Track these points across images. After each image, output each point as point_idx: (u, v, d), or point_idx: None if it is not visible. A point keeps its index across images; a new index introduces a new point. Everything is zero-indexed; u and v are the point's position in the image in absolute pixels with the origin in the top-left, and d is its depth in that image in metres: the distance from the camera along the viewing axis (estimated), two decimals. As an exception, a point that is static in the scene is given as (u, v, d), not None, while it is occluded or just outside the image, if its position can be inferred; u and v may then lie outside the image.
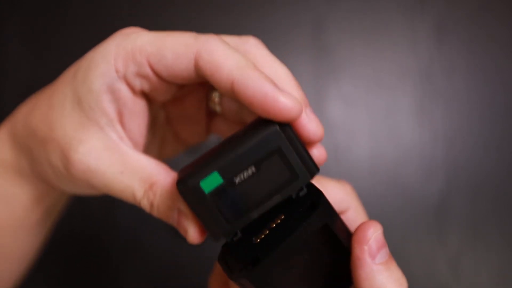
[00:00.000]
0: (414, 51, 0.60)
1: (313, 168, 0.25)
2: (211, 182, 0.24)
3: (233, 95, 0.25)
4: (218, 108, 0.32)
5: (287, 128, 0.24)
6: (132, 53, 0.26)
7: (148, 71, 0.26)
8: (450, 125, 0.59)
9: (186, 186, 0.24)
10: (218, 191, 0.24)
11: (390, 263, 0.26)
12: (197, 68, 0.25)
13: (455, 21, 0.60)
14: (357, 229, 0.26)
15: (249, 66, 0.24)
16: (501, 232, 0.58)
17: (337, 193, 0.31)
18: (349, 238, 0.27)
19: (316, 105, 0.59)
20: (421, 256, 0.58)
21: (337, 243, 0.26)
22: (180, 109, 0.33)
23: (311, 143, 0.27)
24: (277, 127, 0.24)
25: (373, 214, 0.37)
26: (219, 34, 0.28)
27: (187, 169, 0.25)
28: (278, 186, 0.24)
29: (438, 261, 0.58)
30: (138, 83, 0.27)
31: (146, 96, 0.29)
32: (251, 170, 0.24)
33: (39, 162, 0.30)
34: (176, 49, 0.26)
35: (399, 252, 0.58)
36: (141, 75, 0.27)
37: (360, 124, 0.60)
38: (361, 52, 0.60)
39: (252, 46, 0.29)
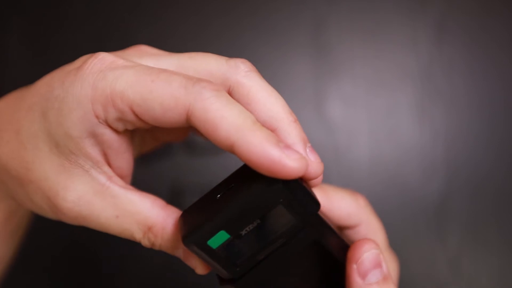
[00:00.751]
0: (414, 51, 0.60)
1: (315, 206, 0.25)
2: (218, 239, 0.24)
3: (233, 153, 0.23)
4: None
5: (292, 185, 0.24)
6: (111, 98, 0.23)
7: (132, 117, 0.24)
8: (450, 125, 0.59)
9: (192, 244, 0.24)
10: (226, 245, 0.24)
11: (384, 285, 0.25)
12: (190, 122, 0.23)
13: (455, 21, 0.60)
14: (351, 246, 0.26)
15: (248, 126, 0.22)
16: (501, 232, 0.58)
17: (346, 206, 0.30)
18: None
19: (316, 105, 0.59)
20: (421, 256, 0.58)
21: (332, 259, 0.26)
22: (160, 128, 0.31)
23: (312, 179, 0.26)
24: (281, 185, 0.23)
25: (373, 214, 0.37)
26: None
27: (191, 219, 0.25)
28: (283, 231, 0.25)
29: (438, 261, 0.58)
30: (121, 126, 0.25)
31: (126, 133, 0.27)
32: (256, 222, 0.24)
33: (16, 194, 0.28)
34: (164, 102, 0.23)
35: (399, 252, 0.59)
36: (124, 120, 0.24)
37: (360, 124, 0.60)
38: (361, 52, 0.60)
39: (244, 77, 0.25)
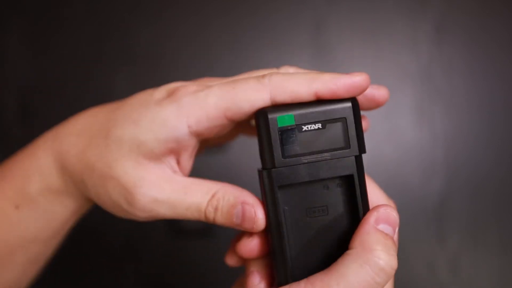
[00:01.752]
0: (414, 51, 0.60)
1: (362, 147, 0.30)
2: (285, 120, 0.29)
3: (316, 98, 0.29)
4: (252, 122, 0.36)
5: (356, 108, 0.30)
6: (207, 112, 0.29)
7: (224, 122, 0.30)
8: (450, 125, 0.59)
9: (265, 116, 0.29)
10: (287, 130, 0.29)
11: (390, 239, 0.28)
12: (274, 102, 0.29)
13: (455, 21, 0.60)
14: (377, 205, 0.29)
15: (314, 75, 0.29)
16: (501, 232, 0.58)
17: (380, 195, 0.34)
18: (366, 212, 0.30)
19: (316, 105, 0.59)
20: (421, 256, 0.58)
21: (354, 204, 0.29)
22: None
23: (380, 103, 0.33)
24: (350, 103, 0.29)
25: (373, 214, 0.37)
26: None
27: (267, 108, 0.30)
28: (331, 147, 0.29)
29: (438, 261, 0.58)
30: (207, 133, 0.31)
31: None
32: (318, 126, 0.29)
33: (96, 194, 0.33)
34: (250, 98, 0.29)
35: (399, 252, 0.59)
36: (215, 126, 0.30)
37: (360, 124, 0.60)
38: (361, 52, 0.60)
39: (289, 69, 0.34)
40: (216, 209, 0.31)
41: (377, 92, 0.34)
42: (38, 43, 0.61)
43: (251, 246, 0.31)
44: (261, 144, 0.30)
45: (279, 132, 0.29)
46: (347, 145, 0.29)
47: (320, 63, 0.60)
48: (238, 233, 0.33)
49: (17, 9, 0.61)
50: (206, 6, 0.60)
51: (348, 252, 0.28)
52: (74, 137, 0.34)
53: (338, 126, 0.29)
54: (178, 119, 0.30)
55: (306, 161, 0.29)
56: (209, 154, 0.58)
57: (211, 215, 0.31)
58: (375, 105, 0.34)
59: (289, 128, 0.29)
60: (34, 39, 0.61)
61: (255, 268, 0.32)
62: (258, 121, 0.29)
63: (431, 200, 0.59)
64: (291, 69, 0.34)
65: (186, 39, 0.60)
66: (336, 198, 0.30)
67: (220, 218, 0.31)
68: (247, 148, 0.58)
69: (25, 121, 0.60)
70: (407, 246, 0.58)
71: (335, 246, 0.30)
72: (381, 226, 0.28)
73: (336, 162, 0.29)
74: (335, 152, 0.29)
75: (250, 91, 0.29)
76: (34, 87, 0.60)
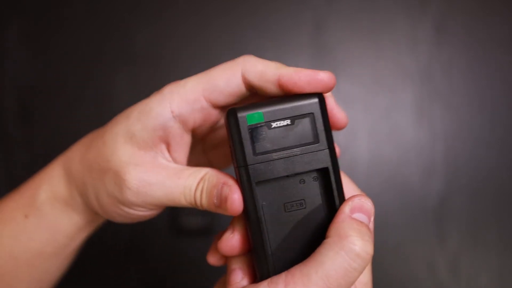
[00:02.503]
0: (414, 51, 0.60)
1: (331, 142, 0.31)
2: (254, 118, 0.30)
3: (279, 88, 0.31)
4: None
5: (322, 104, 0.30)
6: (186, 95, 0.32)
7: (203, 103, 0.32)
8: (450, 125, 0.59)
9: (234, 114, 0.30)
10: (257, 127, 0.30)
11: (365, 227, 0.29)
12: (246, 81, 0.32)
13: (455, 21, 0.60)
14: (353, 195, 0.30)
15: (283, 65, 0.32)
16: (500, 232, 0.58)
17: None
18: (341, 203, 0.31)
19: (316, 105, 0.59)
20: (420, 256, 0.58)
21: (330, 196, 0.30)
22: (214, 139, 0.39)
23: (338, 127, 0.34)
24: (317, 99, 0.30)
25: (373, 214, 0.37)
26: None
27: (237, 107, 0.31)
28: (301, 143, 0.30)
29: (438, 261, 0.58)
30: (191, 119, 0.32)
31: (191, 131, 0.34)
32: (287, 122, 0.30)
33: (95, 195, 0.34)
34: (224, 76, 0.32)
35: (399, 252, 0.59)
36: (197, 110, 0.32)
37: (360, 124, 0.60)
38: (361, 52, 0.60)
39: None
40: (201, 191, 0.32)
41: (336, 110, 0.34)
42: (38, 43, 0.61)
43: (232, 243, 0.31)
44: (233, 142, 0.30)
45: (249, 130, 0.30)
46: (316, 140, 0.30)
47: (320, 63, 0.60)
48: (219, 233, 0.34)
49: (17, 9, 0.61)
50: (206, 6, 0.60)
51: (325, 241, 0.29)
52: (79, 145, 0.37)
53: (306, 121, 0.30)
54: (161, 106, 0.32)
55: (276, 157, 0.30)
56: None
57: (198, 199, 0.32)
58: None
59: (258, 125, 0.30)
60: (34, 39, 0.61)
61: (237, 266, 0.32)
62: (228, 119, 0.30)
63: (431, 200, 0.59)
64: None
65: (186, 39, 0.60)
66: (312, 192, 0.31)
67: (204, 200, 0.32)
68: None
69: (25, 121, 0.60)
70: (407, 246, 0.58)
71: (313, 238, 0.31)
72: (356, 215, 0.29)
73: (311, 156, 0.30)
74: (305, 147, 0.30)
75: (224, 70, 0.32)
76: (34, 87, 0.60)
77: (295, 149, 0.30)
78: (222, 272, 0.35)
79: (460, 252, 0.58)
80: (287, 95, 0.31)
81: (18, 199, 0.38)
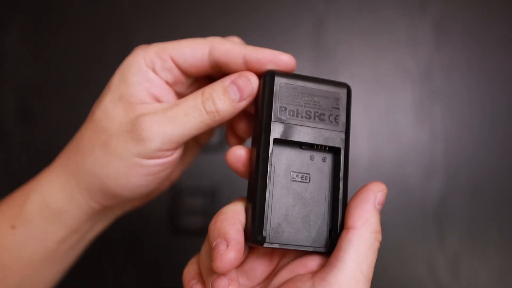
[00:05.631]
0: (414, 51, 0.60)
1: (348, 129, 0.33)
2: (290, 83, 0.32)
3: (244, 65, 0.34)
4: None
5: (350, 94, 0.34)
6: (156, 53, 0.34)
7: (171, 64, 0.34)
8: (450, 125, 0.59)
9: (272, 76, 0.32)
10: (288, 90, 0.32)
11: (376, 213, 0.31)
12: (211, 57, 0.34)
13: (455, 21, 0.60)
14: (371, 183, 0.32)
15: (248, 47, 0.34)
16: (500, 232, 0.58)
17: None
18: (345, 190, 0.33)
19: (316, 105, 0.59)
20: (420, 256, 0.58)
21: (338, 177, 0.32)
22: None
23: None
24: (346, 89, 0.34)
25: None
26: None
27: (276, 71, 0.33)
28: (323, 119, 0.32)
29: (437, 261, 0.58)
30: (164, 75, 0.35)
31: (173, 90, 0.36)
32: (316, 98, 0.33)
33: (106, 174, 0.35)
34: (192, 45, 0.34)
35: (399, 252, 0.59)
36: (166, 69, 0.34)
37: (360, 124, 0.60)
38: (361, 52, 0.60)
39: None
40: (213, 99, 0.33)
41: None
42: (38, 43, 0.61)
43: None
44: (264, 99, 0.32)
45: (281, 92, 0.32)
46: (337, 122, 0.33)
47: (320, 63, 0.60)
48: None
49: (17, 9, 0.61)
50: (206, 6, 0.60)
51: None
52: (66, 149, 0.37)
53: (332, 102, 0.33)
54: (136, 62, 0.34)
55: (298, 123, 0.32)
56: (208, 153, 0.58)
57: (211, 107, 0.33)
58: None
59: (290, 89, 0.32)
60: (34, 39, 0.61)
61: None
62: (265, 78, 0.32)
63: (431, 200, 0.59)
64: (236, 39, 0.38)
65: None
66: (319, 170, 0.32)
67: (220, 103, 0.33)
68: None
69: (25, 121, 0.60)
70: (407, 246, 0.58)
71: (310, 213, 0.32)
72: (378, 206, 0.32)
73: (329, 133, 0.32)
74: (325, 124, 0.32)
75: (192, 41, 0.35)
76: (34, 88, 0.60)
77: (317, 123, 0.32)
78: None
79: (460, 252, 0.58)
80: (321, 78, 0.34)
81: (4, 211, 0.37)
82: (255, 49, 0.33)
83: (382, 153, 0.59)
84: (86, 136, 0.35)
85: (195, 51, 0.34)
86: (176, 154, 0.35)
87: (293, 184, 0.32)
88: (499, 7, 0.60)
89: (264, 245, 0.30)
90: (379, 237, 0.30)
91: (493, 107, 0.60)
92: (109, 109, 0.34)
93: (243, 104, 0.33)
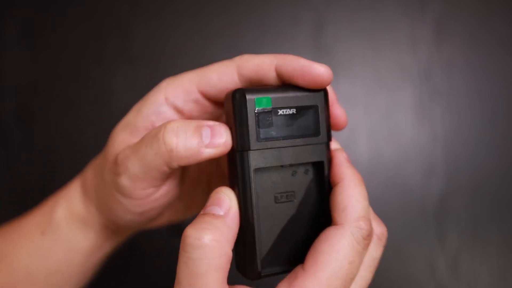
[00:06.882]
0: (414, 51, 0.60)
1: (330, 135, 0.31)
2: (263, 102, 0.29)
3: (277, 77, 0.31)
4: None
5: (327, 97, 0.31)
6: (181, 85, 0.33)
7: (197, 95, 0.33)
8: (450, 125, 0.59)
9: (242, 95, 0.29)
10: (264, 112, 0.29)
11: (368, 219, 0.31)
12: (242, 77, 0.32)
13: (455, 21, 0.60)
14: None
15: (278, 55, 0.31)
16: (500, 232, 0.58)
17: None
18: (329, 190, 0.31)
19: (316, 105, 0.59)
20: (420, 256, 0.58)
21: (323, 188, 0.31)
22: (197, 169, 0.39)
23: (338, 125, 0.34)
24: (323, 91, 0.31)
25: (373, 214, 0.37)
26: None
27: (244, 88, 0.30)
28: (303, 133, 0.30)
29: (437, 261, 0.58)
30: (187, 108, 0.33)
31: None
32: (292, 111, 0.30)
33: (105, 200, 0.34)
34: (219, 70, 0.32)
35: (399, 252, 0.59)
36: (192, 101, 0.33)
37: (360, 124, 0.60)
38: (361, 52, 0.60)
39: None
40: (177, 131, 0.30)
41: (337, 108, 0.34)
42: (38, 42, 0.61)
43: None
44: (236, 125, 0.29)
45: (256, 114, 0.29)
46: (317, 132, 0.30)
47: (320, 63, 0.60)
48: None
49: (17, 8, 0.61)
50: (205, 6, 0.60)
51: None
52: (93, 160, 0.38)
53: (310, 113, 0.30)
54: (156, 94, 0.33)
55: (279, 145, 0.30)
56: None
57: (172, 139, 0.29)
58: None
59: (266, 110, 0.29)
60: (34, 39, 0.61)
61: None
62: (234, 99, 0.29)
63: (431, 200, 0.59)
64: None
65: (186, 39, 0.60)
66: (303, 185, 0.31)
67: (185, 139, 0.29)
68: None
69: (25, 121, 0.60)
70: (407, 246, 0.58)
71: (300, 230, 0.31)
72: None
73: (308, 148, 0.30)
74: (307, 138, 0.30)
75: (218, 66, 0.32)
76: (34, 87, 0.60)
77: (297, 140, 0.30)
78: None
79: (460, 252, 0.58)
80: (290, 84, 0.31)
81: (36, 216, 0.38)
82: (285, 60, 0.31)
83: (382, 153, 0.59)
84: (103, 153, 0.36)
85: (221, 76, 0.32)
86: (155, 193, 0.33)
87: (279, 207, 0.30)
88: (499, 7, 0.60)
89: (260, 278, 0.30)
90: (364, 226, 0.30)
91: (493, 107, 0.60)
92: (116, 135, 0.34)
93: (208, 152, 0.29)
